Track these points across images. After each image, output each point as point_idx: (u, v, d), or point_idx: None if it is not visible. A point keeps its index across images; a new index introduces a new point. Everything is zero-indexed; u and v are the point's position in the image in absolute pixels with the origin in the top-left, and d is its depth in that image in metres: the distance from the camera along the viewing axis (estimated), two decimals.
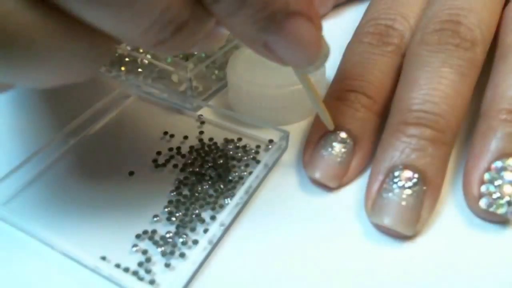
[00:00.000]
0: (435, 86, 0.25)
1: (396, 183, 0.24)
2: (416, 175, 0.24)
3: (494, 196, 0.23)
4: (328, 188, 0.27)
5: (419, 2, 0.30)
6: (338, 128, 0.26)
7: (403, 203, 0.23)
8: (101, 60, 0.18)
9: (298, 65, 0.22)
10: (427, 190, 0.24)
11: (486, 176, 0.24)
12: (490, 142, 0.24)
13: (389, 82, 0.28)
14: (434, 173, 0.24)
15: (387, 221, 0.23)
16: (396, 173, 0.24)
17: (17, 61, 0.16)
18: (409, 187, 0.23)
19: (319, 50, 0.21)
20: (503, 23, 0.29)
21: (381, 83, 0.27)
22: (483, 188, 0.24)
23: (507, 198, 0.23)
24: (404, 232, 0.23)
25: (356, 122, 0.26)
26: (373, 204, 0.24)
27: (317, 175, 0.26)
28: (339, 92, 0.28)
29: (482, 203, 0.24)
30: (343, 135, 0.26)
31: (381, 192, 0.24)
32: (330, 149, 0.26)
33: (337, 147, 0.26)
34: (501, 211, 0.23)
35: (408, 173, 0.24)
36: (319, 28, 0.20)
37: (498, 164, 0.24)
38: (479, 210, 0.24)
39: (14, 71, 0.17)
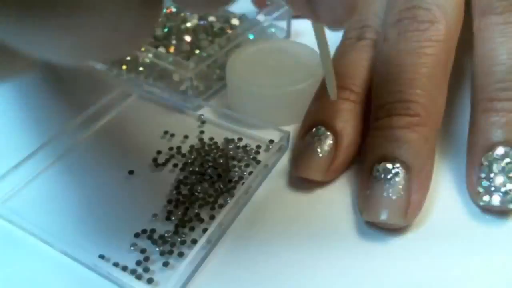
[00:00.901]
0: (396, 76, 0.25)
1: (377, 176, 0.24)
2: (396, 165, 0.24)
3: (492, 189, 0.24)
4: (328, 187, 0.27)
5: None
6: (316, 123, 0.27)
7: (384, 194, 0.23)
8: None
9: (332, 21, 0.18)
10: (411, 176, 0.24)
11: (481, 172, 0.24)
12: (478, 137, 0.25)
13: (363, 71, 0.28)
14: (412, 157, 0.24)
15: (380, 218, 0.23)
16: (377, 167, 0.24)
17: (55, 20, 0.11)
18: (390, 178, 0.24)
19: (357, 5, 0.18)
20: (472, 10, 0.28)
21: (354, 73, 0.28)
22: (479, 185, 0.24)
23: (503, 189, 0.23)
24: (395, 222, 0.23)
25: (335, 113, 0.27)
26: (363, 203, 0.24)
27: (302, 173, 0.26)
28: (318, 94, 0.28)
29: (481, 199, 0.24)
30: (321, 129, 0.26)
31: (367, 189, 0.24)
32: (310, 146, 0.26)
33: (317, 143, 0.26)
34: (497, 203, 0.24)
35: (385, 165, 0.24)
36: None
37: (488, 157, 0.24)
38: (482, 206, 0.25)
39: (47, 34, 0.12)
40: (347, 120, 0.27)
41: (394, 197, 0.23)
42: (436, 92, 0.25)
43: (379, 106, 0.26)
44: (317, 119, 0.27)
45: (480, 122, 0.25)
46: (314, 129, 0.26)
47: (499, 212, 0.25)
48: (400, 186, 0.23)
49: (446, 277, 0.23)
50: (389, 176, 0.24)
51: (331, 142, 0.26)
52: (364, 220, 0.25)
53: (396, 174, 0.24)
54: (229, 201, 0.25)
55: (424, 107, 0.25)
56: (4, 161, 0.27)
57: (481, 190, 0.24)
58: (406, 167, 0.24)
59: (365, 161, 0.25)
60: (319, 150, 0.26)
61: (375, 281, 0.23)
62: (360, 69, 0.28)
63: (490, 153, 0.24)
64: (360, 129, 0.27)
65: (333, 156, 0.26)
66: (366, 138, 0.26)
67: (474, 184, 0.25)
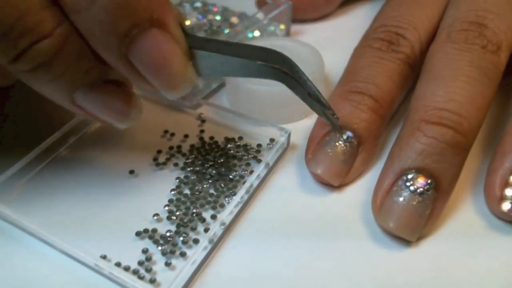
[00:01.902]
0: (462, 85, 0.24)
1: (408, 187, 0.23)
2: (429, 181, 0.23)
3: None
4: (329, 186, 0.27)
5: (430, 16, 0.30)
6: (343, 127, 0.26)
7: (412, 210, 0.23)
8: None
9: (160, 87, 0.22)
10: (438, 197, 0.23)
11: (511, 178, 0.23)
12: None
13: (395, 89, 0.27)
14: (448, 181, 0.23)
15: (392, 225, 0.23)
16: (410, 176, 0.23)
17: None
18: (421, 194, 0.23)
19: (183, 75, 0.21)
20: None
21: (387, 88, 0.27)
22: (508, 191, 0.23)
23: None
24: (408, 238, 0.23)
25: (362, 122, 0.26)
26: (381, 204, 0.24)
27: (320, 170, 0.25)
28: (346, 93, 0.27)
29: (505, 206, 0.23)
30: (348, 134, 0.26)
31: (391, 194, 0.23)
32: (334, 147, 0.26)
33: (342, 146, 0.25)
34: None
35: (422, 179, 0.23)
36: (185, 51, 0.21)
37: None
38: (500, 212, 0.24)
39: None
40: (373, 134, 0.26)
41: (419, 215, 0.23)
42: (483, 120, 0.25)
43: (432, 107, 0.24)
44: (346, 119, 0.26)
45: None
46: (343, 132, 0.26)
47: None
48: (427, 205, 0.23)
49: (452, 281, 0.23)
50: (419, 191, 0.23)
51: (355, 149, 0.26)
52: (376, 222, 0.24)
53: (427, 190, 0.23)
54: (230, 200, 0.25)
55: (472, 130, 0.24)
56: (5, 160, 0.27)
57: (508, 195, 0.23)
58: (439, 187, 0.23)
59: (397, 162, 0.24)
60: (343, 156, 0.25)
61: (376, 281, 0.23)
62: (393, 86, 0.27)
63: None
64: (379, 143, 0.27)
65: (352, 164, 0.26)
66: (405, 136, 0.24)
67: (497, 190, 0.24)
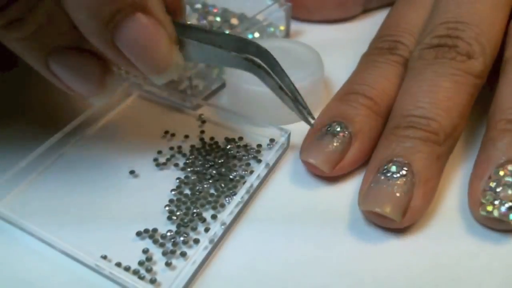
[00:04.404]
0: (426, 94, 0.26)
1: (384, 173, 0.24)
2: (405, 168, 0.24)
3: (496, 202, 0.23)
4: (329, 186, 0.27)
5: (423, 18, 0.31)
6: (336, 120, 0.27)
7: (389, 188, 0.24)
8: None
9: (147, 71, 0.22)
10: (416, 182, 0.24)
11: (487, 185, 0.24)
12: (491, 152, 0.25)
13: (390, 87, 0.29)
14: (422, 166, 0.24)
15: (378, 208, 0.23)
16: (385, 166, 0.24)
17: None
18: (397, 177, 0.24)
19: (170, 59, 0.22)
20: (506, 38, 0.29)
21: (382, 87, 0.28)
22: (484, 197, 0.24)
23: (508, 204, 0.23)
24: (392, 216, 0.23)
25: (355, 117, 0.27)
26: (364, 194, 0.24)
27: (311, 159, 0.26)
28: (342, 95, 0.29)
29: (483, 210, 0.24)
30: (341, 125, 0.27)
31: (370, 184, 0.24)
32: (326, 137, 0.26)
33: (333, 136, 0.26)
34: (498, 214, 0.23)
35: (395, 164, 0.24)
36: (171, 35, 0.22)
37: (498, 172, 0.24)
38: (480, 218, 0.24)
39: None
40: (368, 127, 0.27)
41: (397, 194, 0.23)
42: (458, 120, 0.26)
43: (402, 115, 0.26)
44: (339, 115, 0.27)
45: (495, 140, 0.25)
46: (335, 123, 0.27)
47: (495, 228, 0.24)
48: (405, 186, 0.24)
49: (441, 279, 0.23)
50: (396, 176, 0.24)
51: (348, 140, 0.26)
52: (361, 210, 0.25)
53: (404, 175, 0.24)
54: (230, 200, 0.25)
55: (443, 129, 0.25)
56: (5, 160, 0.27)
57: (484, 201, 0.24)
58: (414, 173, 0.24)
59: (374, 160, 0.26)
60: (335, 143, 0.26)
61: (378, 279, 0.23)
62: (388, 84, 0.29)
63: (502, 168, 0.24)
64: (375, 141, 0.27)
65: (344, 154, 0.26)
66: (380, 142, 0.26)
67: (477, 195, 0.24)
